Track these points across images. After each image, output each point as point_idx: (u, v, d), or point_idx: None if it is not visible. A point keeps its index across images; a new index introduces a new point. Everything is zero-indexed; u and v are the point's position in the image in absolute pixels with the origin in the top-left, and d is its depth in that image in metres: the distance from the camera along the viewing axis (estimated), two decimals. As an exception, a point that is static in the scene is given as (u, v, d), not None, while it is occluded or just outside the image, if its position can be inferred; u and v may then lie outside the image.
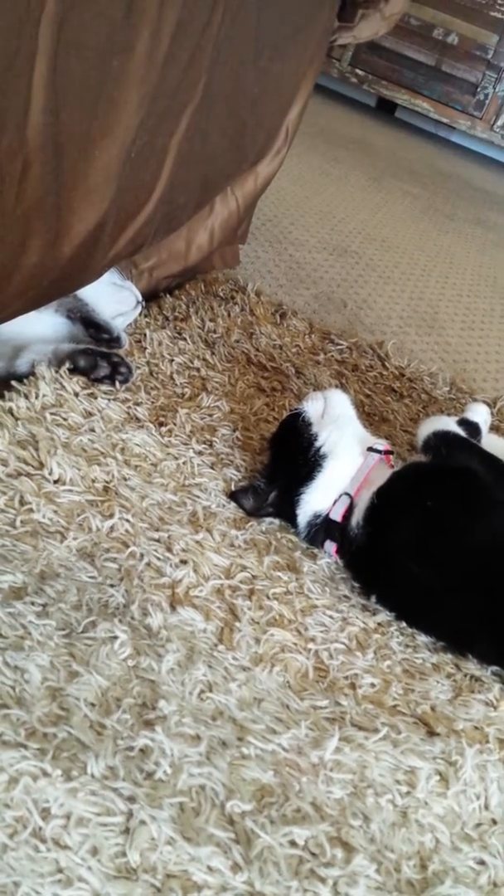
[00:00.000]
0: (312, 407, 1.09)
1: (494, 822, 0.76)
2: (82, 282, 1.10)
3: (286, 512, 1.05)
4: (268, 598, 0.93)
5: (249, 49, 1.18)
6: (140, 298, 1.34)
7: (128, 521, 0.97)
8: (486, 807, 0.78)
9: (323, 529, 1.02)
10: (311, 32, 1.43)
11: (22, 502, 0.93)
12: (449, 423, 1.10)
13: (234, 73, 1.16)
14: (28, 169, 0.79)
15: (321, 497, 1.02)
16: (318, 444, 1.05)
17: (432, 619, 0.96)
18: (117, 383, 1.17)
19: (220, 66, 1.08)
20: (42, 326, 1.22)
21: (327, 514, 1.02)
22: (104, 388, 1.16)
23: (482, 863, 0.72)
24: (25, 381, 1.10)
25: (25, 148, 0.78)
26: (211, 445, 1.16)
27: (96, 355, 1.16)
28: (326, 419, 1.08)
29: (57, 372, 1.13)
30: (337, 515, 1.01)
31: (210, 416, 1.22)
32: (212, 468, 1.11)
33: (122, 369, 1.18)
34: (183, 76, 0.99)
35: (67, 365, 1.15)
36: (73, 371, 1.15)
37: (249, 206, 1.59)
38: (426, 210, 2.86)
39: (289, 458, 1.06)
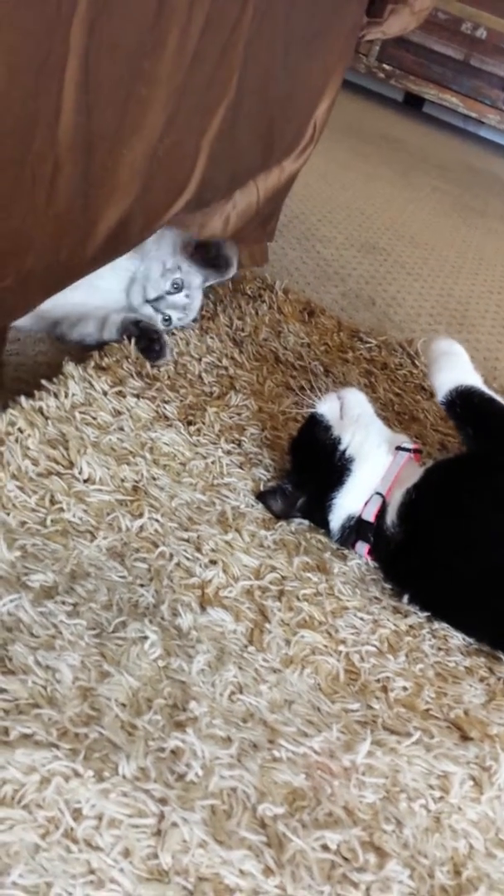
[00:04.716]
0: (329, 408, 1.06)
1: (529, 828, 0.75)
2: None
3: (317, 517, 1.04)
4: (298, 599, 0.93)
5: (279, 46, 1.17)
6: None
7: (157, 520, 0.97)
8: (521, 813, 0.76)
9: (355, 531, 1.01)
10: (339, 29, 1.42)
11: (52, 501, 0.93)
12: (474, 377, 1.03)
13: (264, 71, 1.15)
14: (59, 170, 0.80)
15: (353, 500, 1.01)
16: (342, 447, 1.02)
17: (471, 618, 0.95)
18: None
19: (250, 63, 1.07)
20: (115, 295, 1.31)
21: (359, 516, 1.01)
22: (130, 386, 1.16)
23: (517, 870, 0.71)
24: (55, 379, 1.10)
25: (57, 148, 0.78)
26: (239, 445, 1.15)
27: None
28: (346, 420, 1.05)
29: (85, 371, 1.13)
30: (369, 516, 1.00)
31: (238, 415, 1.22)
32: (240, 468, 1.11)
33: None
34: (214, 74, 0.99)
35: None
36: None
37: (271, 199, 1.57)
38: (456, 206, 2.83)
39: (314, 463, 1.04)
